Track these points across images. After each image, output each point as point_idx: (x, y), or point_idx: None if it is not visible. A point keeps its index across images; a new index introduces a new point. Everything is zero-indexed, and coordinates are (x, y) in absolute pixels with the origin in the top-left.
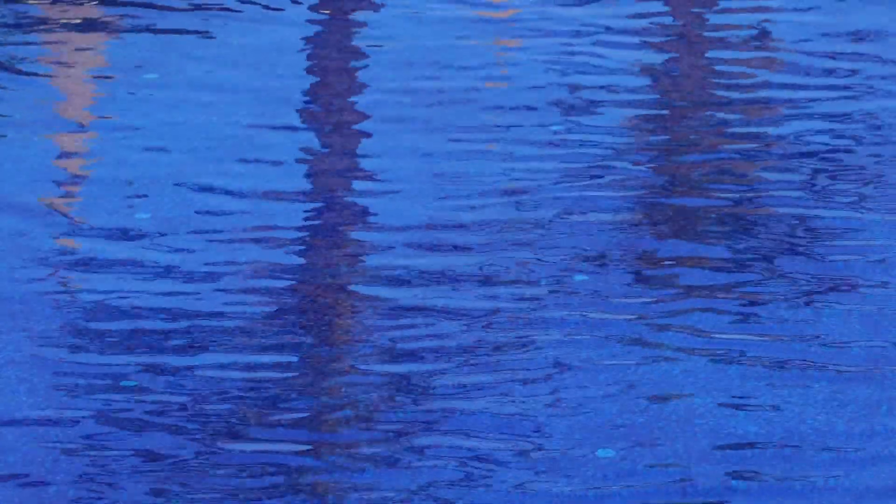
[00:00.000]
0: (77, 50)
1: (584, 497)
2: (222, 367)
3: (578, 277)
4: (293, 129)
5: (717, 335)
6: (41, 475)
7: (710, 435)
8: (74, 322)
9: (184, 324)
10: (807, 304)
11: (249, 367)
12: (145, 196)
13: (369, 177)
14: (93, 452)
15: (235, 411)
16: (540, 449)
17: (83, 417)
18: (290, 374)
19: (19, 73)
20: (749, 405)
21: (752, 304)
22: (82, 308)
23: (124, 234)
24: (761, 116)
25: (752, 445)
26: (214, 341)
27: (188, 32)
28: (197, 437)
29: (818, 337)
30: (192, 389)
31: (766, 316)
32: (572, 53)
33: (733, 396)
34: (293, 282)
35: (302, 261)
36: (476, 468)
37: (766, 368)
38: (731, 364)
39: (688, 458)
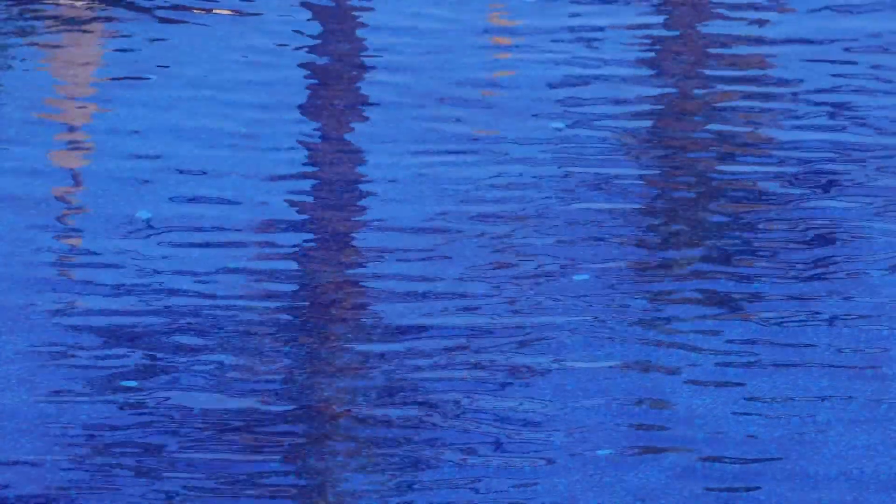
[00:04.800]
0: (76, 49)
1: (583, 497)
2: (222, 366)
3: (579, 277)
4: (293, 129)
5: (718, 335)
6: (42, 475)
7: (710, 435)
8: (75, 322)
9: (184, 324)
10: (808, 304)
11: (249, 368)
12: (145, 196)
13: (368, 178)
14: (94, 452)
15: (236, 411)
16: (540, 449)
17: (84, 417)
18: (289, 376)
19: (19, 72)
20: (750, 405)
21: (753, 304)
22: (83, 307)
23: (124, 234)
24: (763, 115)
25: (752, 445)
26: (215, 341)
27: (188, 32)
28: (197, 436)
29: (819, 337)
30: (193, 389)
31: (768, 316)
32: (572, 52)
33: (733, 396)
34: (291, 283)
35: (300, 262)
36: (476, 468)
37: (767, 368)
38: (731, 364)
39: (688, 458)
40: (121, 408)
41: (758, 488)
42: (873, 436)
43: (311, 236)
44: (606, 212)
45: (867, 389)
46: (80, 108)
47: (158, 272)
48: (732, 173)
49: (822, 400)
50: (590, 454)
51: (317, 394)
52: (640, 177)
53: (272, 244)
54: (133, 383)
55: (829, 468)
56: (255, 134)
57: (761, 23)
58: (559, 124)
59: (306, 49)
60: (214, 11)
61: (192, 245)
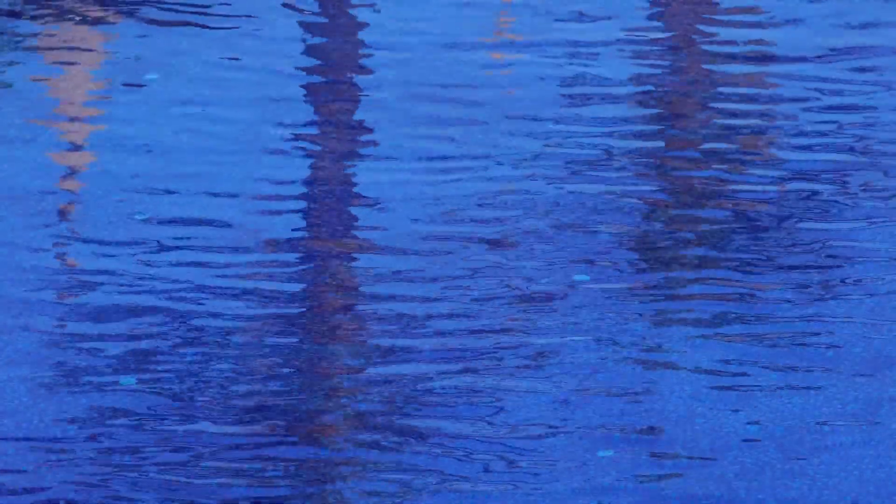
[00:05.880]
0: (77, 49)
1: (584, 498)
2: (221, 366)
3: (578, 278)
4: (293, 130)
5: (717, 335)
6: (41, 474)
7: (710, 434)
8: (74, 322)
9: (183, 324)
10: (807, 304)
11: (248, 365)
12: (145, 197)
13: (368, 178)
14: (93, 452)
15: (236, 410)
16: (539, 450)
17: (83, 417)
18: (287, 376)
19: (17, 74)
20: (749, 405)
21: (752, 304)
22: (82, 308)
23: (123, 235)
24: (763, 132)
25: (752, 445)
26: (214, 341)
27: (189, 32)
28: (196, 436)
29: (819, 337)
30: (192, 390)
31: (767, 316)
32: (569, 63)
33: (734, 396)
34: (284, 299)
35: (293, 278)
36: (475, 469)
37: (766, 368)
38: (731, 363)
39: (688, 458)
40: (120, 407)
41: (758, 488)
42: (874, 436)
43: (305, 251)
44: (603, 226)
45: (868, 399)
46: (75, 113)
47: (157, 273)
48: (732, 190)
49: (823, 407)
50: (590, 455)
51: (313, 414)
52: (637, 192)
53: (265, 258)
54: (132, 383)
55: (828, 469)
56: (247, 143)
57: (762, 39)
58: (555, 131)
59: (298, 56)
60: (207, 19)
61: (192, 245)
